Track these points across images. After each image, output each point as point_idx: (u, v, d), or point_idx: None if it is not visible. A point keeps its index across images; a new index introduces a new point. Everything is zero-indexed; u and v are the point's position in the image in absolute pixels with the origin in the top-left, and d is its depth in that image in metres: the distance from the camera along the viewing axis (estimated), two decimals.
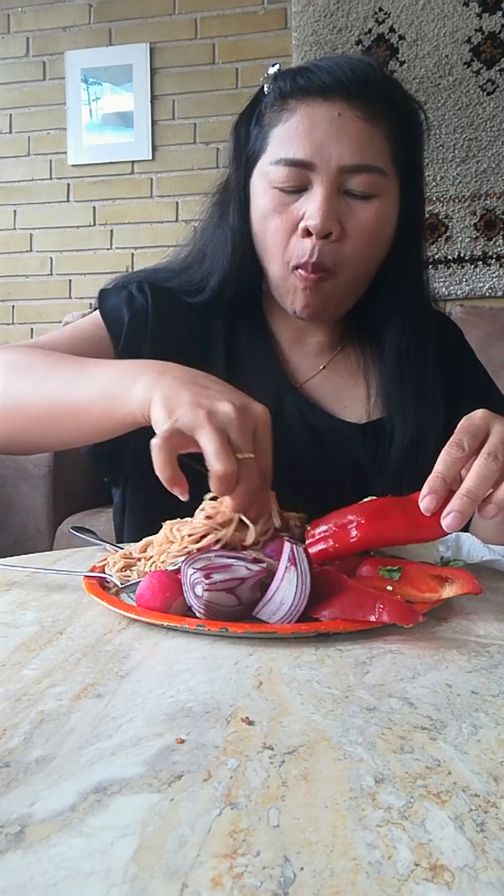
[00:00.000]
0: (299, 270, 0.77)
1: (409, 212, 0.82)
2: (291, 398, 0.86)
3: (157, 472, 0.56)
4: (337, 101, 0.75)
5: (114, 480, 0.92)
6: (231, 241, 0.84)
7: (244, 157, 0.82)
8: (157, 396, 0.61)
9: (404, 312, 0.85)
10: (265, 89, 0.80)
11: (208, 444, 0.55)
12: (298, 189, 0.76)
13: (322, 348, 0.90)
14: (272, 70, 0.80)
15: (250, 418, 0.59)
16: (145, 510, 0.87)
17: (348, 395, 0.88)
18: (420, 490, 0.56)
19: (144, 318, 0.85)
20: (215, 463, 0.55)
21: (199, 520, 0.59)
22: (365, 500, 0.64)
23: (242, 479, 0.56)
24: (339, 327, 0.90)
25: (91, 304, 0.92)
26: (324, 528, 0.57)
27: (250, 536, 0.58)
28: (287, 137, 0.76)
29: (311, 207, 0.75)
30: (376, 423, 0.86)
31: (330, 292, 0.79)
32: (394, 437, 0.83)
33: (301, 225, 0.76)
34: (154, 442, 0.56)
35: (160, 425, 0.59)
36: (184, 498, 0.56)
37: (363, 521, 0.55)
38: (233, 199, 0.84)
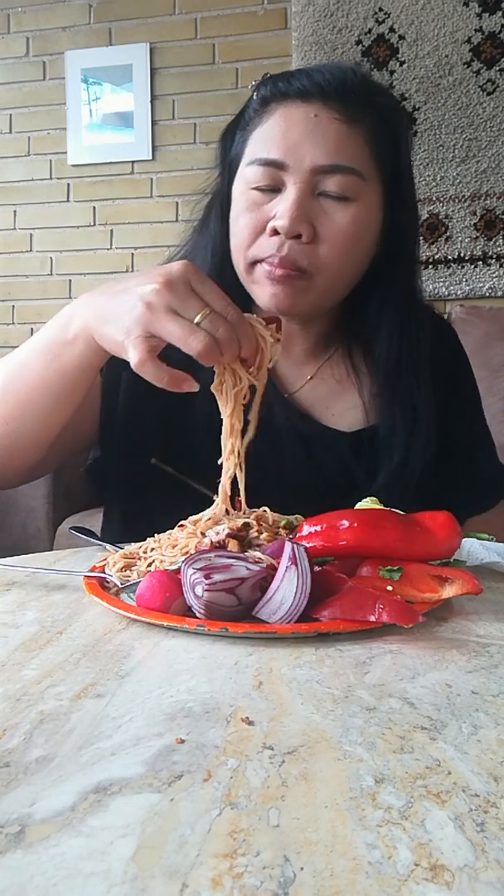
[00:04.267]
0: (262, 264, 0.76)
1: (396, 218, 0.80)
2: (280, 407, 0.85)
3: (158, 384, 0.60)
4: (314, 102, 0.74)
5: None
6: (211, 246, 0.84)
7: (228, 162, 0.82)
8: (92, 324, 0.65)
9: (394, 323, 0.83)
10: (253, 97, 0.80)
11: (171, 334, 0.58)
12: (273, 189, 0.76)
13: (308, 356, 0.89)
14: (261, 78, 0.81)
15: (180, 280, 0.60)
16: (122, 523, 0.89)
17: (337, 403, 0.87)
18: (423, 509, 0.57)
19: None
20: (191, 344, 0.58)
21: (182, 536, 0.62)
22: (366, 499, 0.64)
23: (213, 331, 0.59)
24: (325, 334, 0.88)
25: None
26: (315, 527, 0.56)
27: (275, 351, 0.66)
28: (263, 138, 0.76)
29: (280, 208, 0.74)
30: (366, 433, 0.85)
31: (304, 292, 0.77)
32: (382, 456, 0.82)
33: (269, 224, 0.75)
34: (134, 367, 0.59)
35: (118, 348, 0.62)
36: (195, 388, 0.61)
37: (355, 526, 0.55)
38: (216, 203, 0.84)
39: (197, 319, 0.59)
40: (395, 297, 0.83)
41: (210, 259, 0.83)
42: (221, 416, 0.67)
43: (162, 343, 0.60)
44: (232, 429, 0.66)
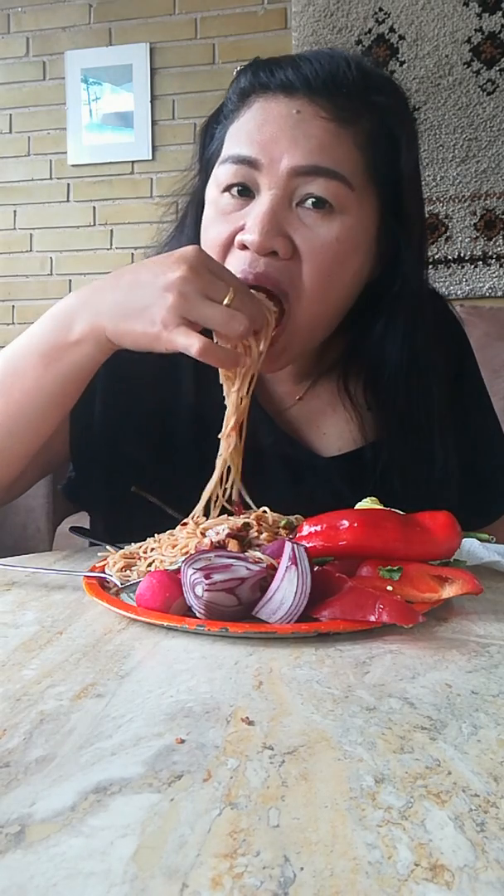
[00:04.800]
0: None
1: (398, 234, 0.71)
2: (267, 429, 0.78)
3: (225, 366, 0.60)
4: (298, 97, 0.65)
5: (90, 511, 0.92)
6: None
7: (205, 160, 0.75)
8: (105, 322, 0.62)
9: (401, 360, 0.73)
10: (232, 87, 0.72)
11: (211, 318, 0.57)
12: (247, 194, 0.67)
13: (297, 374, 0.80)
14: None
15: (202, 265, 0.59)
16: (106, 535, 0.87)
17: (329, 423, 0.80)
18: (423, 509, 0.57)
19: None
20: (233, 326, 0.57)
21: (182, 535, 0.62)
22: (365, 499, 0.64)
23: (243, 311, 0.58)
24: (318, 349, 0.79)
25: None
26: (315, 527, 0.56)
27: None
28: (237, 133, 0.68)
29: (250, 218, 0.65)
30: (355, 454, 0.78)
31: (285, 322, 0.67)
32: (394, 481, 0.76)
33: (237, 238, 0.66)
34: (197, 353, 0.57)
35: (150, 341, 0.60)
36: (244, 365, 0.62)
37: (355, 526, 0.55)
38: (191, 208, 0.76)
39: (226, 301, 0.58)
40: (400, 325, 0.74)
41: None
42: (225, 395, 0.66)
43: (197, 325, 0.59)
44: (238, 405, 0.66)
